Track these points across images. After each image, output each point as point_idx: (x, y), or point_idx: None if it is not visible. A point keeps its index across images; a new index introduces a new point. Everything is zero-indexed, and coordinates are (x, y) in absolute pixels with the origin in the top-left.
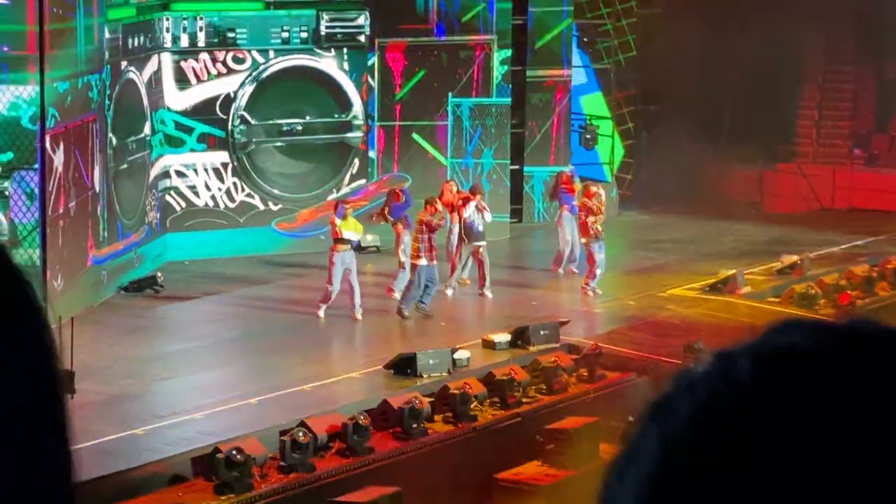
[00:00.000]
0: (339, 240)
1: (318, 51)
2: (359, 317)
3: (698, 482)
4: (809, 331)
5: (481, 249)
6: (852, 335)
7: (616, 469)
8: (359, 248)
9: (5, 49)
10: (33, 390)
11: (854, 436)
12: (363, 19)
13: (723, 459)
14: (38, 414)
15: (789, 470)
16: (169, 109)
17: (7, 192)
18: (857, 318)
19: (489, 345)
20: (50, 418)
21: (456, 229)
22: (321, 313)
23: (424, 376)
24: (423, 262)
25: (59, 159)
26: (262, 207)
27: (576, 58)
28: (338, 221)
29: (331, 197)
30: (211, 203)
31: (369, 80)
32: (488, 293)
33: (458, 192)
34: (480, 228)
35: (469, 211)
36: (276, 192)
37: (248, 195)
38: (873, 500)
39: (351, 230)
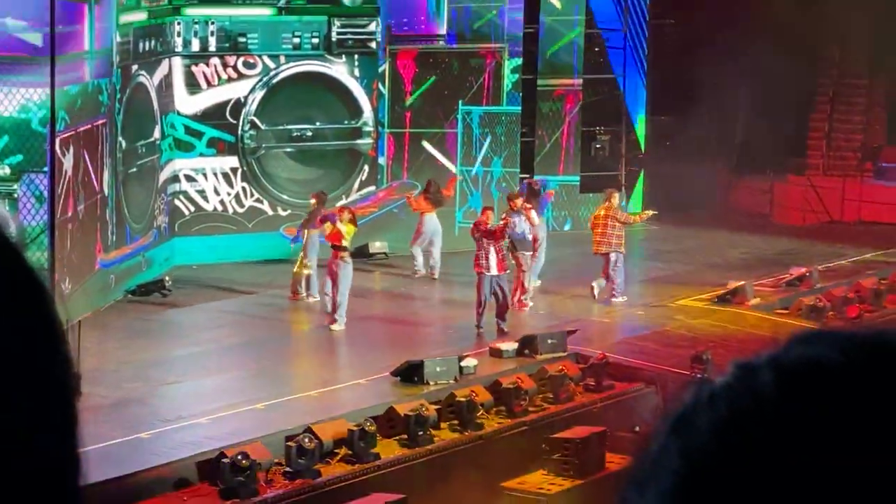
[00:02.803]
0: (339, 247)
1: (329, 57)
2: (335, 328)
3: (724, 498)
4: (835, 342)
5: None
6: (880, 347)
7: (634, 482)
8: (367, 255)
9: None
10: (46, 391)
11: (888, 453)
12: (374, 26)
13: (749, 475)
14: (48, 415)
15: (818, 487)
16: (179, 114)
17: (16, 195)
18: (883, 328)
19: (496, 353)
20: (61, 420)
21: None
22: (336, 327)
23: (431, 384)
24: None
25: (68, 162)
26: (271, 213)
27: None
28: (342, 228)
29: (339, 203)
30: (220, 208)
31: (380, 86)
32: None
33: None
34: (530, 237)
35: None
36: (285, 197)
37: (258, 200)
38: None
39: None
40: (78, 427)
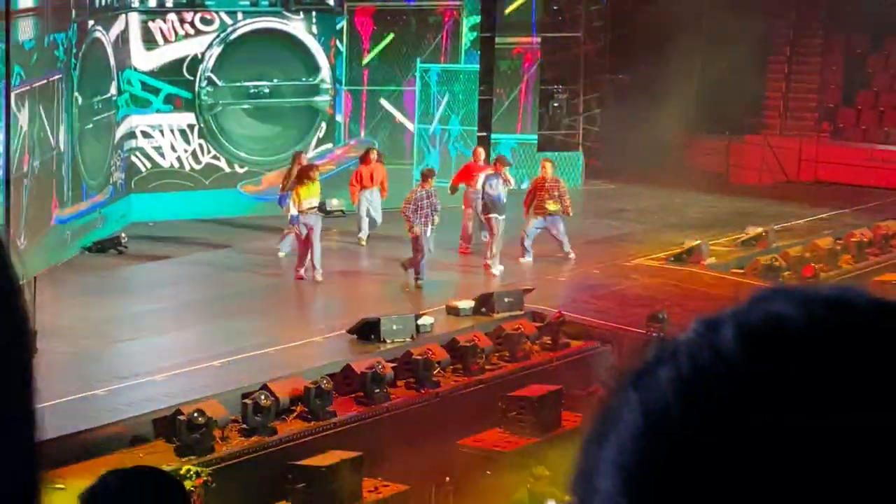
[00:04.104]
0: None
1: (286, 13)
2: (319, 278)
3: (682, 455)
4: (797, 299)
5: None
6: (841, 305)
7: (595, 435)
8: (324, 212)
9: None
10: (3, 349)
11: (847, 414)
12: None
13: (708, 431)
14: (6, 372)
15: (777, 443)
16: (135, 70)
17: None
18: (844, 286)
19: (453, 311)
20: (18, 377)
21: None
22: (320, 277)
23: (388, 342)
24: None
25: (23, 118)
26: (227, 170)
27: None
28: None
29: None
30: (176, 164)
31: (337, 43)
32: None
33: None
34: (504, 199)
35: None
36: (242, 154)
37: (214, 157)
38: (871, 484)
39: (311, 196)
40: (34, 384)
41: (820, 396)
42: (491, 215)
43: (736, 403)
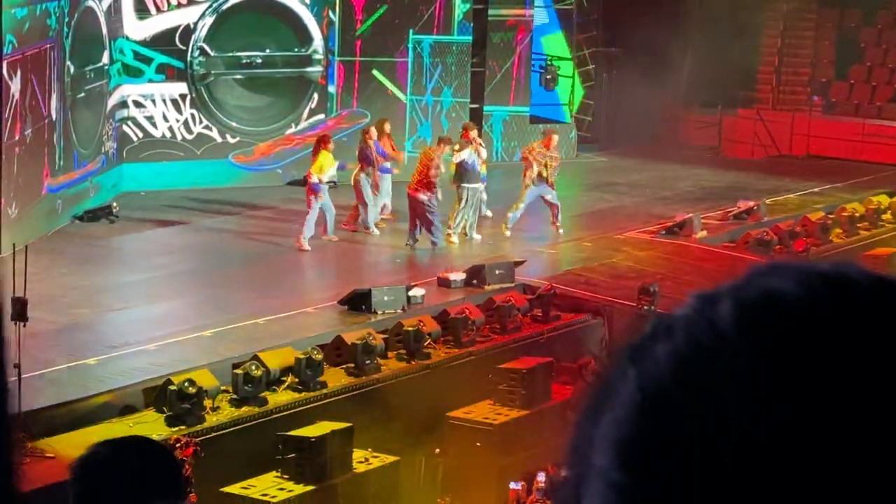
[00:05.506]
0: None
1: None
2: (306, 246)
3: (679, 431)
4: (795, 275)
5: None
6: (840, 281)
7: (590, 410)
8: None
9: None
10: None
11: (846, 390)
12: None
13: (703, 406)
14: None
15: (769, 418)
16: (128, 39)
17: None
18: (841, 262)
19: (444, 283)
20: None
21: None
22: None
23: (379, 313)
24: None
25: (15, 86)
26: (219, 140)
27: None
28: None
29: (289, 131)
30: (168, 134)
31: (330, 14)
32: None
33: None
34: (478, 168)
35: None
36: (234, 124)
37: (206, 127)
38: (870, 462)
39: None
40: (5, 356)
41: (818, 372)
42: (462, 184)
43: (733, 379)
